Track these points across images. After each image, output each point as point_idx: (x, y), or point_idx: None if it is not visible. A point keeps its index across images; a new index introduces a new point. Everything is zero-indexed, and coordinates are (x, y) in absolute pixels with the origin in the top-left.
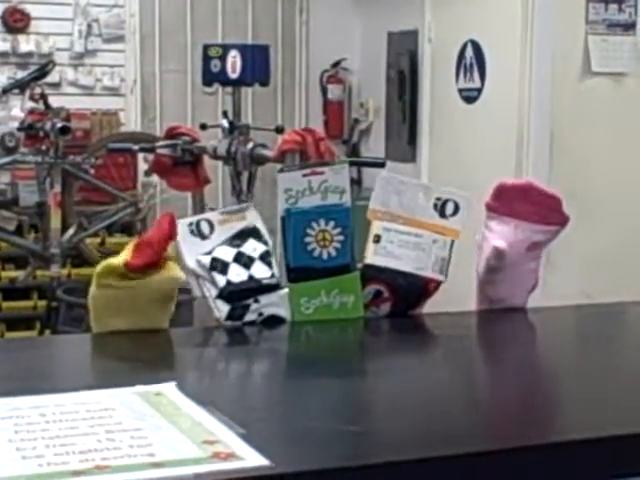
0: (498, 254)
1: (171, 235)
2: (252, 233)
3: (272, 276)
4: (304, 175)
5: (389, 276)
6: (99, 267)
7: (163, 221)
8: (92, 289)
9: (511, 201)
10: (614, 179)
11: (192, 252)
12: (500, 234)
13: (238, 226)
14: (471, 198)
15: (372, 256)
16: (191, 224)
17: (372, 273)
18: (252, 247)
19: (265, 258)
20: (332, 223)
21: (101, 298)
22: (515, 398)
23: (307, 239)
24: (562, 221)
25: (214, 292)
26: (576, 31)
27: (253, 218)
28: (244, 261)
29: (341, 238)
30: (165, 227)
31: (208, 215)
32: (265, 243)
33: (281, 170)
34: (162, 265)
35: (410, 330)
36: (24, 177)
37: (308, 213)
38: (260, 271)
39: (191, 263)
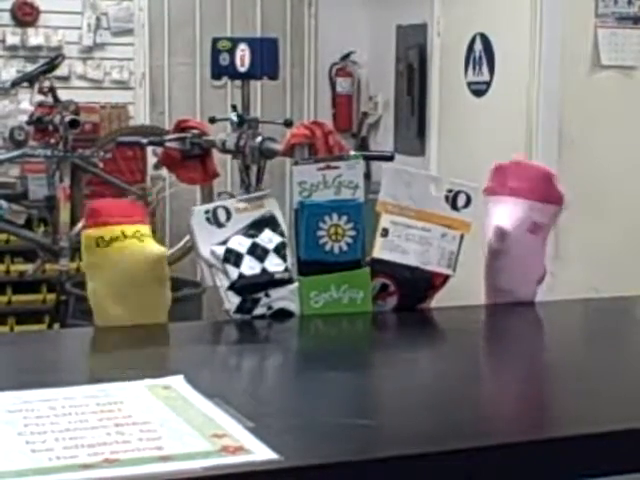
0: (500, 234)
1: (121, 211)
2: (269, 222)
3: (285, 270)
4: (319, 169)
5: (395, 270)
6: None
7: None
8: (88, 285)
9: (505, 179)
10: (623, 173)
11: (207, 241)
12: (500, 214)
13: (255, 214)
14: (480, 189)
15: (379, 250)
16: (207, 211)
17: (378, 267)
18: (268, 238)
19: (280, 251)
20: (345, 218)
21: (96, 287)
22: (521, 393)
23: (319, 233)
24: (558, 199)
25: (226, 283)
26: (585, 24)
27: (271, 206)
28: (258, 253)
29: (353, 233)
30: (108, 200)
31: (226, 202)
32: (281, 234)
33: (296, 163)
34: (139, 239)
35: (419, 324)
36: (33, 171)
37: (321, 207)
38: (273, 264)
39: (205, 252)
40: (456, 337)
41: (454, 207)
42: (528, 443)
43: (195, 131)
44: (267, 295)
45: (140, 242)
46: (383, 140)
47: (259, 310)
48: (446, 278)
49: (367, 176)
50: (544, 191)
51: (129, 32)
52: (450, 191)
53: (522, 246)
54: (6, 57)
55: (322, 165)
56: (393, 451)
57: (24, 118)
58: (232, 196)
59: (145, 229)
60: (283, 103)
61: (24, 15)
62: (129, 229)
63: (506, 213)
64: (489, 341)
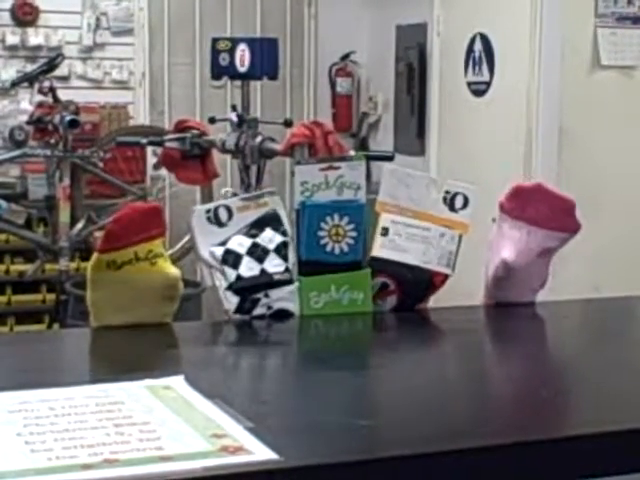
0: (506, 267)
1: (142, 221)
2: (271, 221)
3: (285, 270)
4: (321, 169)
5: (395, 269)
6: (88, 268)
7: (128, 209)
8: (88, 293)
9: (526, 205)
10: (623, 173)
11: (206, 241)
12: (511, 241)
13: (257, 213)
14: (478, 191)
15: (379, 249)
16: (208, 211)
17: (378, 266)
18: (268, 238)
19: (280, 251)
20: (346, 218)
21: (99, 298)
22: (522, 393)
23: (320, 233)
24: (575, 228)
25: (224, 284)
26: (585, 24)
27: (275, 204)
28: (258, 254)
29: (354, 234)
30: (129, 212)
31: (228, 201)
32: (283, 233)
33: (298, 163)
34: (151, 262)
35: (418, 324)
36: (33, 170)
37: (323, 207)
38: (273, 265)
39: (204, 253)
40: (456, 337)
41: (452, 209)
42: (529, 443)
43: (195, 131)
44: (267, 295)
45: (151, 265)
46: (383, 140)
47: (259, 310)
48: (445, 277)
49: (367, 176)
50: (563, 222)
51: (129, 32)
52: (448, 192)
53: (527, 270)
54: (6, 57)
55: (324, 165)
56: (393, 451)
57: (24, 118)
58: (235, 194)
59: (159, 246)
60: (283, 103)
61: (24, 15)
62: (142, 250)
63: (518, 242)
64: (490, 341)
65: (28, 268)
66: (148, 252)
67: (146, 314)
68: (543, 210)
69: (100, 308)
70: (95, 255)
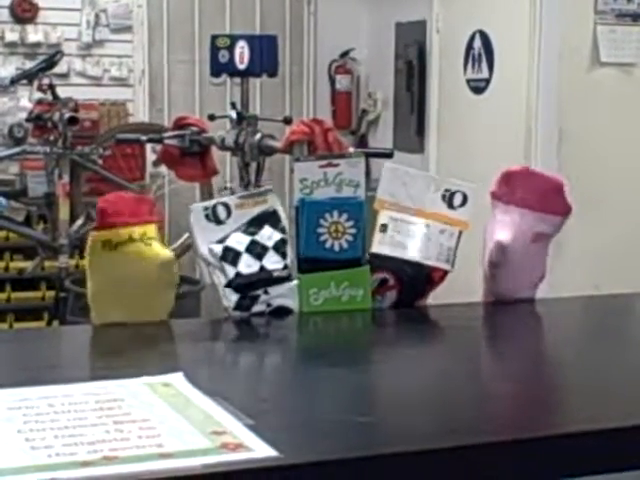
0: (501, 248)
1: (133, 207)
2: (269, 218)
3: (284, 267)
4: (320, 166)
5: (395, 265)
6: (86, 256)
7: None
8: (89, 284)
9: (516, 188)
10: (623, 169)
11: (205, 239)
12: (503, 224)
13: (256, 210)
14: (477, 189)
15: (378, 245)
16: (207, 208)
17: (378, 262)
18: (267, 235)
19: (279, 248)
20: (345, 215)
21: (97, 282)
22: (521, 390)
23: (320, 230)
24: (565, 210)
25: (224, 281)
26: (585, 21)
27: (274, 202)
28: (257, 251)
29: (353, 231)
30: (117, 194)
31: (226, 199)
32: (282, 230)
33: (297, 160)
34: (146, 243)
35: (418, 321)
36: (33, 168)
37: (322, 204)
38: (272, 262)
39: (203, 250)
40: (456, 334)
41: (450, 206)
42: (528, 440)
43: (194, 128)
44: (266, 292)
45: (147, 246)
46: (382, 137)
47: (258, 307)
48: (445, 273)
49: (367, 173)
50: (553, 203)
51: (128, 29)
52: (447, 190)
53: (523, 256)
54: (5, 54)
55: (324, 162)
56: (392, 448)
57: (23, 115)
58: (233, 192)
59: (153, 231)
60: (282, 100)
61: (23, 12)
62: (137, 232)
63: (511, 225)
64: (489, 338)
65: (27, 265)
66: (142, 234)
67: (144, 302)
68: (533, 192)
69: (99, 301)
70: (90, 238)
